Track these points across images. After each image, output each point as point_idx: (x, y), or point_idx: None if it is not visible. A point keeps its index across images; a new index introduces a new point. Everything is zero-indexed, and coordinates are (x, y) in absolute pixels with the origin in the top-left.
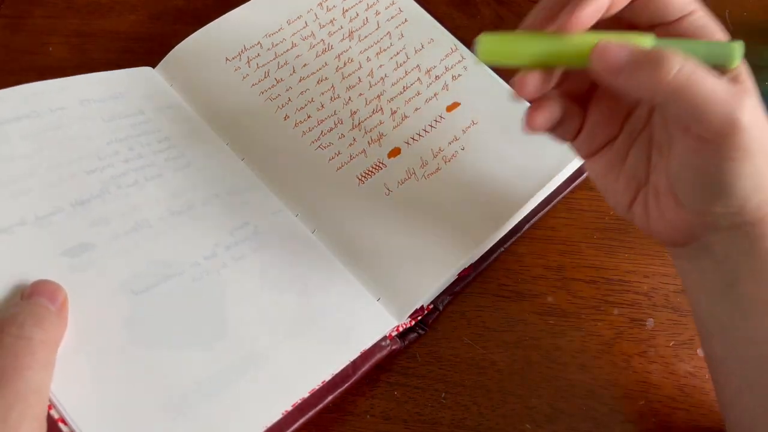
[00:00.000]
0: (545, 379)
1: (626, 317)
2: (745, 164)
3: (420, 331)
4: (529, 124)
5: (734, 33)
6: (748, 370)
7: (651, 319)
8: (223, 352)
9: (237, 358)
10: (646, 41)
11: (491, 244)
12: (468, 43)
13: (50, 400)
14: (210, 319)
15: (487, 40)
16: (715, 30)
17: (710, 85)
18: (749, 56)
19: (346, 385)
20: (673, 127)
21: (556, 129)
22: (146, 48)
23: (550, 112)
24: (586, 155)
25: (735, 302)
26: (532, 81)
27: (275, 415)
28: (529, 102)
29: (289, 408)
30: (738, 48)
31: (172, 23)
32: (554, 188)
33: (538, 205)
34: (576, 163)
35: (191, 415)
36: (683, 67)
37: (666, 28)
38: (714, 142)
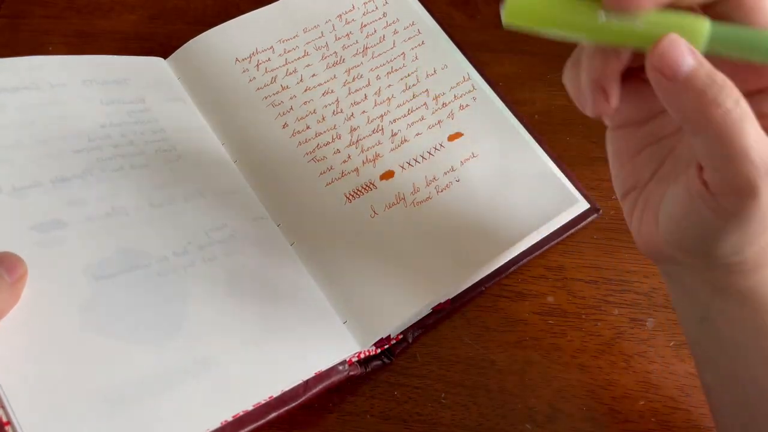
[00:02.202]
0: (545, 379)
1: (626, 317)
2: (734, 233)
3: (385, 360)
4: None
5: None
6: (736, 407)
7: (651, 319)
8: (173, 351)
9: (187, 359)
10: (702, 26)
11: (469, 284)
12: (469, 43)
13: None
14: (167, 316)
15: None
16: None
17: (752, 140)
18: None
19: (294, 404)
20: (687, 160)
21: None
22: (146, 48)
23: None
24: (610, 126)
25: (712, 337)
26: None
27: (213, 424)
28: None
29: (230, 418)
30: None
31: (172, 23)
32: (545, 236)
33: (527, 249)
34: (572, 211)
35: (128, 410)
36: (737, 108)
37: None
38: (718, 197)
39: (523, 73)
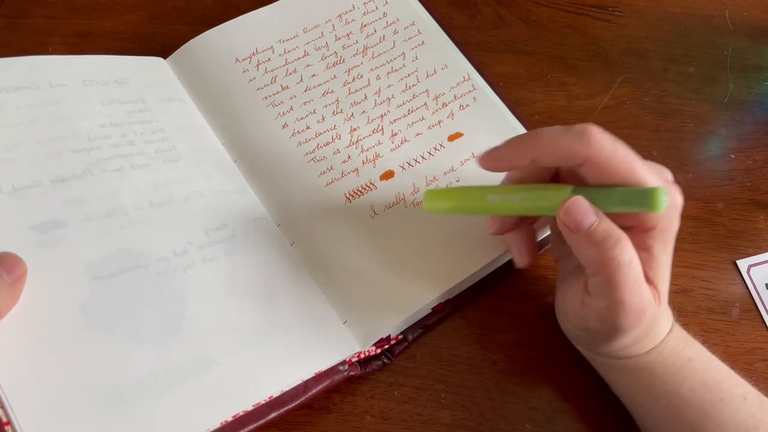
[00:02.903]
0: (545, 379)
1: None
2: (603, 345)
3: (385, 360)
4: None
5: (734, 33)
6: None
7: None
8: (174, 351)
9: (187, 359)
10: (564, 192)
11: (469, 285)
12: (469, 43)
13: None
14: (167, 316)
15: (430, 195)
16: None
17: (630, 294)
18: (749, 56)
19: (294, 404)
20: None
21: None
22: (146, 48)
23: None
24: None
25: (620, 396)
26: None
27: (213, 424)
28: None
29: (230, 419)
30: (660, 193)
31: (172, 23)
32: (545, 236)
33: None
34: None
35: (127, 410)
36: (629, 264)
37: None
38: (592, 320)
39: (523, 73)
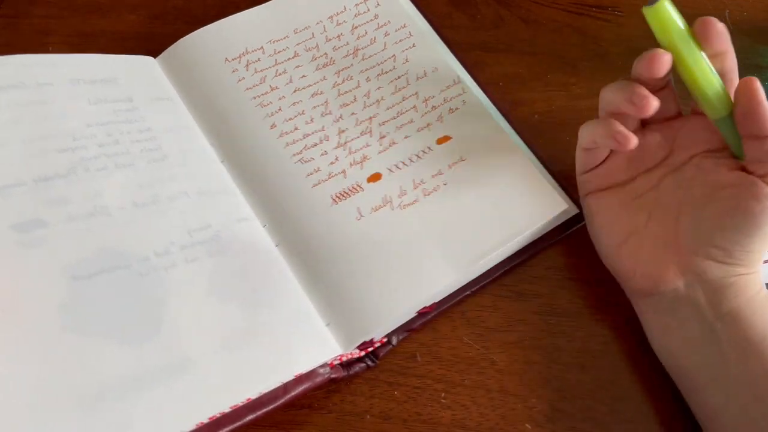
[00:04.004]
0: (545, 379)
1: (626, 317)
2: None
3: (369, 363)
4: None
5: (734, 33)
6: (749, 414)
7: None
8: (152, 352)
9: (164, 361)
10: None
11: (454, 288)
12: (469, 43)
13: None
14: (146, 317)
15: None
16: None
17: None
18: (749, 56)
19: (272, 406)
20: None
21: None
22: (146, 48)
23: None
24: (595, 189)
25: (722, 350)
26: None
27: (188, 426)
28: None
29: (205, 420)
30: None
31: (172, 23)
32: (530, 242)
33: (513, 254)
34: (560, 216)
35: (104, 411)
36: None
37: None
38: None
39: (523, 73)
